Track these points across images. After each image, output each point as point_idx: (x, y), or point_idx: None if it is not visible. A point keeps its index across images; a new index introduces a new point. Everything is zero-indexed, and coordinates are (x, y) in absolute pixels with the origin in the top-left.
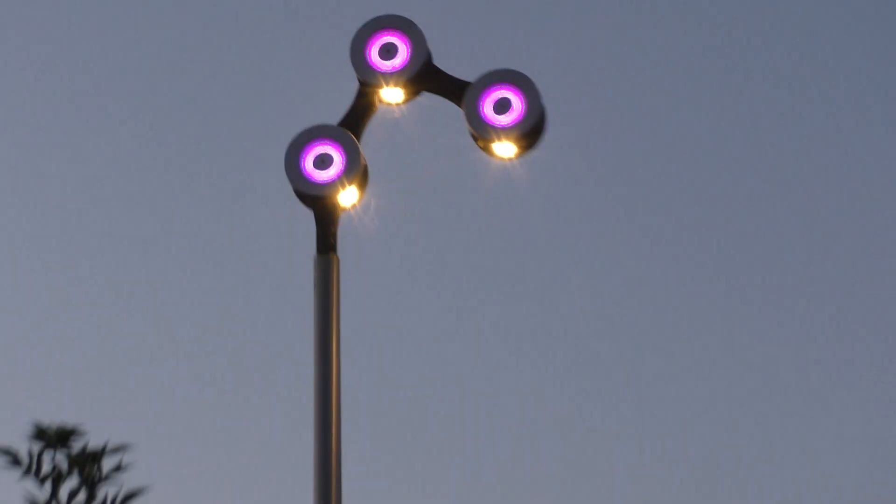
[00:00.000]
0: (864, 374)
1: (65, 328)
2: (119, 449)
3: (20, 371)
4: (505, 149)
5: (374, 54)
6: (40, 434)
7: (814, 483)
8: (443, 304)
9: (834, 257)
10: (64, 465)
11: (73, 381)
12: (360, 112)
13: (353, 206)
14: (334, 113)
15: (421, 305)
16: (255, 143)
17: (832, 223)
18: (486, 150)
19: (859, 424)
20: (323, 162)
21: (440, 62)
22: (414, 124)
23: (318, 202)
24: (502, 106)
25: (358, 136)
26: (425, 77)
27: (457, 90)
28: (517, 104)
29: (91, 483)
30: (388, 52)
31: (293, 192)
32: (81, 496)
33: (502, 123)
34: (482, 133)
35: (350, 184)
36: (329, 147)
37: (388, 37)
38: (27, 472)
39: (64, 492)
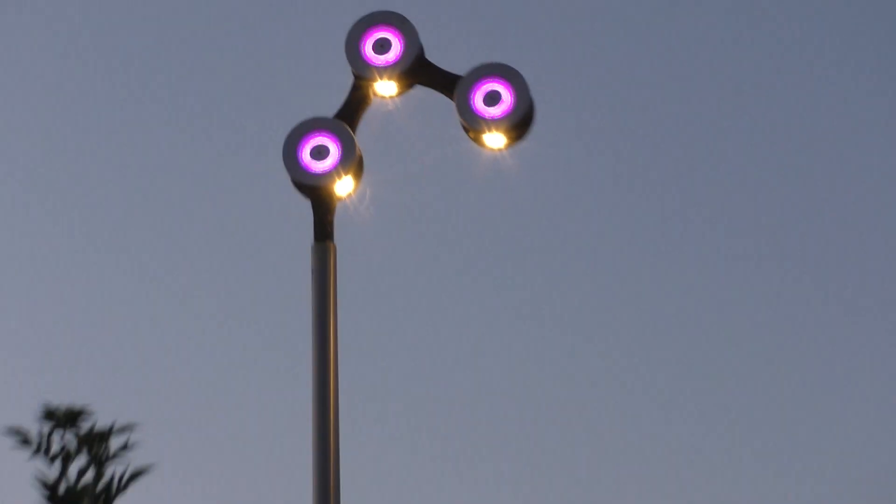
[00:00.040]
0: (864, 375)
1: (72, 315)
2: (125, 429)
3: (30, 355)
4: (495, 139)
5: (368, 49)
6: (50, 415)
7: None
8: (436, 289)
9: (829, 263)
10: (73, 445)
11: (80, 364)
12: (355, 105)
13: (349, 196)
14: (330, 106)
15: (415, 291)
16: (254, 135)
17: (824, 218)
18: (477, 140)
19: (862, 426)
20: (320, 153)
21: (432, 56)
22: (407, 116)
23: (315, 192)
24: (492, 98)
25: (353, 128)
26: (418, 71)
27: (448, 83)
28: (506, 96)
29: (99, 462)
30: (382, 46)
31: (291, 183)
32: (89, 474)
33: (492, 115)
34: (473, 124)
35: (346, 174)
36: (325, 138)
37: (382, 32)
38: (37, 451)
39: (73, 470)
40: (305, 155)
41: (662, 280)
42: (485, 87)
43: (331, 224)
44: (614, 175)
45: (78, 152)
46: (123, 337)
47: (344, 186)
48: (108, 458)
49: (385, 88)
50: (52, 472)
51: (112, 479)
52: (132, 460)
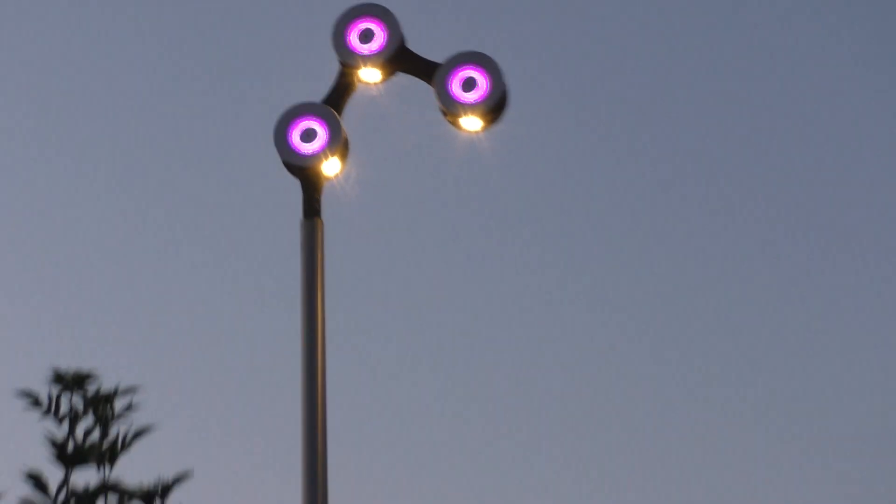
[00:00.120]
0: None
1: (78, 287)
2: (129, 391)
3: (40, 323)
4: (471, 123)
5: (353, 39)
6: (59, 378)
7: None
8: (417, 262)
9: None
10: (80, 406)
11: (87, 331)
12: (341, 91)
13: (336, 176)
14: (318, 92)
15: (398, 263)
16: (247, 119)
17: (814, 207)
18: (455, 124)
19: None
20: (308, 136)
21: (413, 45)
22: (390, 102)
23: (304, 172)
24: (469, 84)
25: (339, 113)
26: (399, 59)
27: (428, 70)
28: (482, 83)
29: (104, 422)
30: (366, 36)
31: (282, 164)
32: (96, 434)
33: (469, 100)
34: (451, 109)
35: (333, 155)
36: (313, 122)
37: (366, 23)
38: (47, 412)
39: (80, 430)
40: (295, 137)
41: (636, 256)
42: (462, 73)
43: (319, 202)
44: (585, 155)
45: (82, 128)
46: (126, 308)
47: (331, 167)
48: (112, 419)
49: (369, 76)
50: (61, 431)
51: (116, 438)
52: (135, 420)
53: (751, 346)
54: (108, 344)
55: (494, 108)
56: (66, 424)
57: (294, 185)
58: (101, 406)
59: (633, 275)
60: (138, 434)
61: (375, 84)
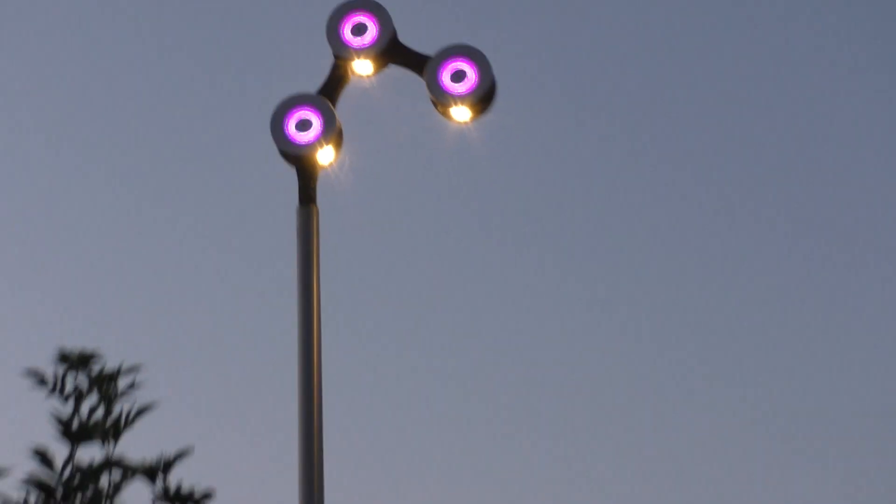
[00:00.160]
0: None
1: (81, 270)
2: (131, 370)
3: (46, 305)
4: (461, 113)
5: (346, 32)
6: (64, 358)
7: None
8: (409, 246)
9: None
10: (85, 385)
11: (91, 312)
12: (335, 82)
13: (331, 164)
14: (313, 83)
15: (391, 248)
16: (245, 110)
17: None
18: (445, 114)
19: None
20: (303, 125)
21: (404, 39)
22: (382, 93)
23: (299, 160)
24: (458, 76)
25: (334, 103)
26: (391, 52)
27: (419, 63)
28: (471, 74)
29: (108, 400)
30: (359, 30)
31: (278, 152)
32: (100, 412)
33: (458, 91)
34: (441, 100)
35: (327, 144)
36: (309, 112)
37: (359, 17)
38: (52, 391)
39: (85, 408)
40: (291, 127)
41: (624, 241)
42: (452, 66)
43: (314, 189)
44: (574, 145)
45: (85, 118)
46: (129, 291)
47: (325, 155)
48: (116, 397)
49: (362, 68)
50: (66, 409)
51: (120, 415)
52: (138, 398)
53: (750, 345)
54: (112, 325)
55: (483, 98)
56: (71, 402)
57: (290, 174)
58: (105, 385)
59: (623, 261)
60: (141, 412)
61: (368, 76)
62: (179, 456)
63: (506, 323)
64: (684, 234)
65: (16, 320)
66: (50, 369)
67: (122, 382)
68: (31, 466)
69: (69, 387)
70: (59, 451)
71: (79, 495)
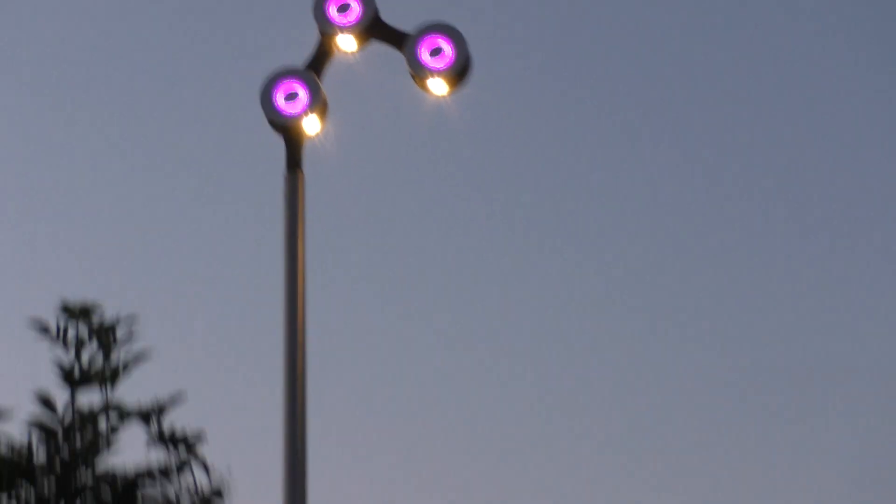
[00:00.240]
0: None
1: (83, 227)
2: (128, 320)
3: (50, 258)
4: (438, 87)
5: (331, 10)
6: (66, 309)
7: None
8: (392, 215)
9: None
10: (85, 334)
11: (92, 266)
12: (321, 57)
13: (317, 135)
14: (300, 58)
15: (373, 214)
16: (236, 83)
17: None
18: (423, 87)
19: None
20: (291, 97)
21: (386, 17)
22: (365, 67)
23: (287, 130)
24: (436, 52)
25: (319, 76)
26: (373, 29)
27: (399, 39)
28: (448, 50)
29: (107, 348)
30: (344, 8)
31: (267, 122)
32: (99, 359)
33: (436, 66)
34: (420, 73)
35: (313, 114)
36: (296, 85)
37: None
38: (55, 340)
39: (85, 356)
40: (279, 99)
41: (599, 206)
42: (429, 42)
43: (300, 157)
44: (545, 118)
45: (88, 76)
46: (127, 246)
47: (311, 125)
48: (114, 345)
49: (346, 44)
50: (68, 357)
51: (118, 362)
52: (134, 347)
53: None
54: (111, 278)
55: (459, 73)
56: (72, 351)
57: (278, 143)
58: (104, 334)
59: (600, 225)
60: (137, 359)
61: (352, 52)
62: (173, 401)
63: (484, 286)
64: (670, 196)
65: (20, 272)
66: (53, 320)
67: (120, 332)
68: (35, 410)
69: (71, 336)
70: (60, 396)
71: (78, 437)
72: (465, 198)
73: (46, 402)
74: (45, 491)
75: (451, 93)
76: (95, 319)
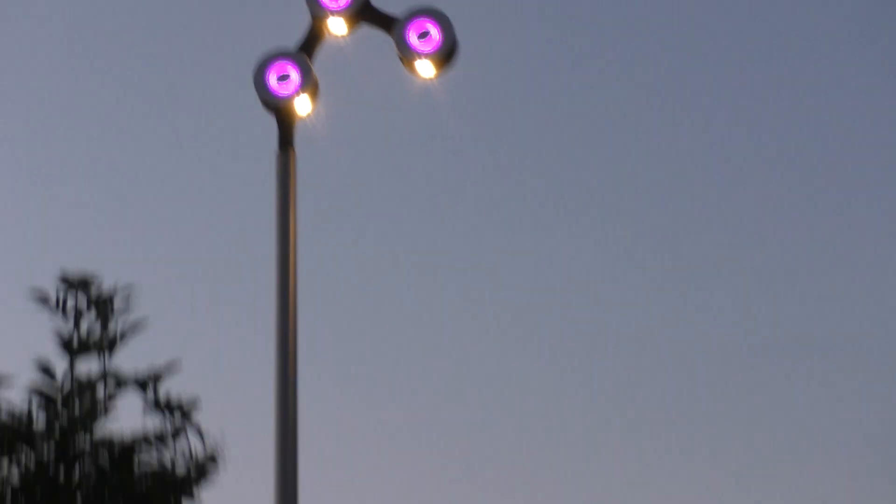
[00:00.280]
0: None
1: (84, 203)
2: (125, 291)
3: (50, 231)
4: (425, 69)
5: None
6: (66, 281)
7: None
8: (378, 187)
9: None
10: (84, 305)
11: (91, 239)
12: (312, 40)
13: (308, 114)
14: (291, 40)
15: (362, 190)
16: (231, 64)
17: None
18: (411, 69)
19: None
20: (283, 78)
21: (375, 1)
22: (354, 50)
23: (279, 110)
24: (423, 35)
25: (311, 59)
26: (363, 13)
27: (388, 23)
28: (435, 34)
29: (105, 318)
30: None
31: (260, 102)
32: (97, 329)
33: (423, 49)
34: (408, 56)
35: (304, 94)
36: (288, 66)
37: None
38: (55, 309)
39: (83, 326)
40: (272, 79)
41: (584, 175)
42: (418, 26)
43: (292, 136)
44: (530, 99)
45: (81, 66)
46: (125, 220)
47: (303, 106)
48: (111, 315)
49: (337, 27)
50: (67, 327)
51: (115, 332)
52: (130, 316)
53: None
54: (109, 251)
55: (446, 56)
56: (71, 320)
57: (270, 122)
58: (102, 305)
59: (587, 195)
60: (134, 328)
61: (342, 35)
62: (168, 369)
63: (472, 262)
64: (669, 178)
65: (19, 244)
66: (53, 291)
67: (118, 302)
68: (35, 377)
69: (70, 306)
70: (59, 364)
71: (77, 404)
72: (451, 176)
73: (46, 370)
74: (45, 456)
75: (439, 75)
76: (94, 290)
